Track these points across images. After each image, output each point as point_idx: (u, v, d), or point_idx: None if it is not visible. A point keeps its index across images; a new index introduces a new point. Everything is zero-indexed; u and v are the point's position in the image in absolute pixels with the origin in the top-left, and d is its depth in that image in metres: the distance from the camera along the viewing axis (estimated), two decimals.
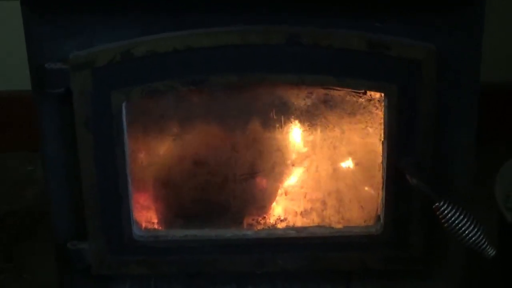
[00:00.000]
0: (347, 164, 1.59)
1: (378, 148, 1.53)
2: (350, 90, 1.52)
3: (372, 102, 1.54)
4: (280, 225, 1.60)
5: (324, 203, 1.60)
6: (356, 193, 1.60)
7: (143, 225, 1.59)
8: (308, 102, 1.54)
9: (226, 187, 1.59)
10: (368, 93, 1.53)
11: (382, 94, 1.49)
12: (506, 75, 2.28)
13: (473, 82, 1.47)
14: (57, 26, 1.42)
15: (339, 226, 1.59)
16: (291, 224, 1.60)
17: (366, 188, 1.59)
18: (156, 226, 1.61)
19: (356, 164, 1.59)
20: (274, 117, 1.55)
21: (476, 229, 1.39)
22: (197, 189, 1.59)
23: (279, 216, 1.61)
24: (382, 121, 1.51)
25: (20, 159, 2.31)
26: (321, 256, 1.58)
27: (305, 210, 1.61)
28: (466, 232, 1.39)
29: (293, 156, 1.58)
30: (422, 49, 1.43)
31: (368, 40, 1.42)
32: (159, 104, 1.53)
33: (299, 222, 1.60)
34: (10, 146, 2.34)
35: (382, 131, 1.51)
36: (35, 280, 1.90)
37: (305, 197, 1.61)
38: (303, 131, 1.56)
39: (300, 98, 1.54)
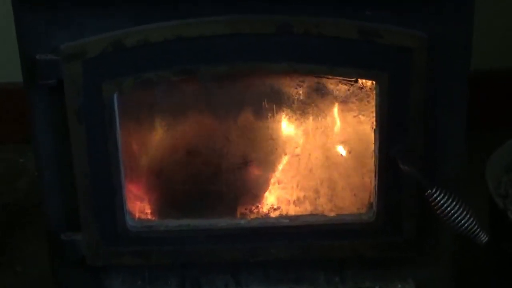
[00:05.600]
0: (340, 152, 1.59)
1: (370, 136, 1.53)
2: (341, 78, 1.52)
3: (363, 90, 1.54)
4: (273, 214, 1.60)
5: (316, 191, 1.61)
6: (348, 181, 1.60)
7: (137, 215, 1.59)
8: (300, 91, 1.54)
9: (219, 177, 1.59)
10: (360, 81, 1.53)
11: (374, 82, 1.49)
12: (496, 62, 2.28)
13: (464, 69, 1.47)
14: (48, 17, 1.42)
15: (332, 214, 1.60)
16: (284, 212, 1.60)
17: (359, 176, 1.59)
18: (149, 217, 1.61)
19: (349, 152, 1.59)
20: (266, 106, 1.55)
21: (468, 216, 1.40)
22: (190, 179, 1.59)
23: (272, 205, 1.61)
24: (373, 109, 1.51)
25: (11, 151, 2.30)
26: (314, 244, 1.58)
27: (298, 199, 1.61)
28: (459, 218, 1.40)
29: (286, 145, 1.59)
30: (413, 37, 1.43)
31: (359, 28, 1.42)
32: (151, 95, 1.53)
33: (292, 210, 1.61)
34: (1, 138, 2.33)
35: (374, 119, 1.51)
36: (27, 272, 1.89)
37: (297, 185, 1.61)
38: (295, 119, 1.56)
39: (291, 87, 1.54)
